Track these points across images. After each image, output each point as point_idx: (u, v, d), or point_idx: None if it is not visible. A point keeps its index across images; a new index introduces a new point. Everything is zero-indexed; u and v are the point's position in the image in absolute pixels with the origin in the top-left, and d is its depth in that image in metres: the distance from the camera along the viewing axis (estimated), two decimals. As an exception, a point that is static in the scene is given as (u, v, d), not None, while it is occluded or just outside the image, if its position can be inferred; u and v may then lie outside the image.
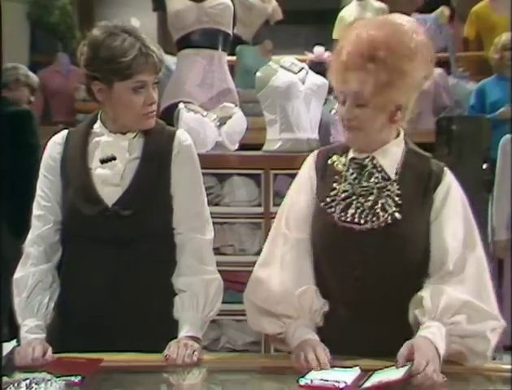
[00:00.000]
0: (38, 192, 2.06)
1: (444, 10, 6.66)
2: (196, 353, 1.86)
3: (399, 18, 1.88)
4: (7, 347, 1.85)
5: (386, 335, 1.79)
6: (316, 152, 2.00)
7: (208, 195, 2.14)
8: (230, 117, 3.69)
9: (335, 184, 1.90)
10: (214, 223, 2.10)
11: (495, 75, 5.41)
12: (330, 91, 3.74)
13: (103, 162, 2.00)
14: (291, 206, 1.95)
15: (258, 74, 3.72)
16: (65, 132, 2.11)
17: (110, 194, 1.99)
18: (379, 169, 1.88)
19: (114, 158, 2.00)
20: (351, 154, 1.92)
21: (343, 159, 1.93)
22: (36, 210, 2.05)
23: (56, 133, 2.12)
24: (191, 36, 4.11)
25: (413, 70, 1.80)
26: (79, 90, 6.67)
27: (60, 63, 6.85)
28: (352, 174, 1.89)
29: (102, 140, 2.03)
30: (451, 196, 1.87)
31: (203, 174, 2.11)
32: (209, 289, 1.99)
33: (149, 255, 1.99)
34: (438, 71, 6.36)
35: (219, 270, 2.05)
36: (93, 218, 1.97)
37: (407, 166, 1.89)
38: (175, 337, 1.93)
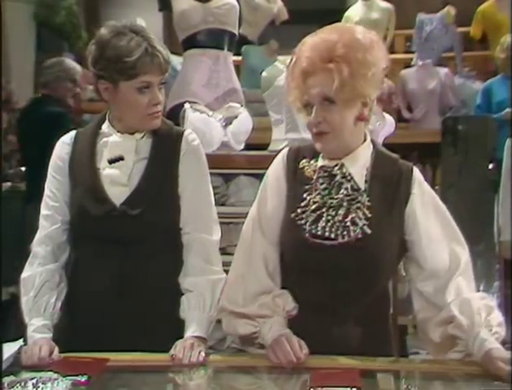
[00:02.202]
0: (46, 192, 2.07)
1: (449, 10, 6.65)
2: (202, 352, 1.86)
3: (346, 24, 1.92)
4: (14, 346, 1.86)
5: (356, 337, 1.85)
6: (286, 152, 1.98)
7: (214, 195, 2.14)
8: (236, 117, 3.69)
9: (305, 194, 1.89)
10: (219, 223, 2.10)
11: (501, 74, 5.39)
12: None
13: (111, 162, 2.01)
14: (263, 210, 1.95)
15: (264, 74, 3.72)
16: (73, 132, 2.11)
17: (117, 194, 1.99)
18: (349, 178, 1.88)
19: (122, 158, 2.01)
20: (320, 162, 1.91)
21: (313, 164, 1.92)
22: (44, 210, 2.06)
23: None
24: (197, 37, 4.11)
25: (372, 60, 1.82)
26: (85, 90, 6.68)
27: (66, 63, 6.85)
28: (322, 184, 1.89)
29: (110, 140, 2.03)
30: (425, 205, 1.88)
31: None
32: (215, 289, 1.99)
33: (156, 255, 2.00)
34: (444, 70, 6.36)
35: (225, 270, 2.05)
36: (100, 217, 1.98)
37: (376, 170, 1.89)
38: (182, 337, 1.93)
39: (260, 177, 3.58)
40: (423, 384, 1.81)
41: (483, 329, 1.78)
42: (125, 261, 1.98)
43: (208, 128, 3.51)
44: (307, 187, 1.90)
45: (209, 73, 4.07)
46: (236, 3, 4.19)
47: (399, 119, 5.74)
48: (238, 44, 4.62)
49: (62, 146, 2.09)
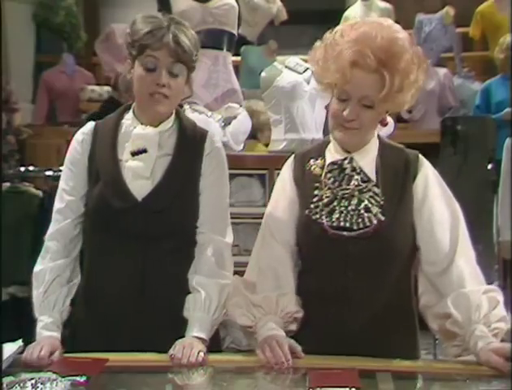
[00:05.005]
0: (62, 185, 2.05)
1: (449, 10, 6.65)
2: (201, 353, 1.86)
3: (393, 24, 1.90)
4: (14, 346, 1.86)
5: (374, 329, 1.86)
6: (292, 157, 2.02)
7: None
8: (235, 117, 3.69)
9: (316, 191, 1.92)
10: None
11: (500, 75, 5.40)
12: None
13: (134, 154, 1.99)
14: (271, 214, 1.99)
15: (263, 74, 3.71)
16: (92, 123, 2.09)
17: (139, 188, 1.98)
18: (358, 171, 1.90)
19: (145, 151, 1.99)
20: (329, 158, 1.94)
21: (320, 162, 1.95)
22: (58, 203, 2.04)
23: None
24: (196, 37, 4.11)
25: (419, 76, 1.85)
26: (84, 90, 6.69)
27: (65, 64, 6.86)
28: (330, 178, 1.91)
29: (134, 132, 2.01)
30: (430, 185, 1.91)
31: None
32: (222, 294, 1.98)
33: (175, 252, 1.99)
34: (443, 71, 6.36)
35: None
36: (122, 212, 1.96)
37: (384, 161, 1.92)
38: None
39: (259, 177, 3.62)
40: (422, 384, 1.81)
41: (480, 326, 1.78)
42: (145, 256, 1.97)
43: (207, 129, 3.51)
44: (316, 184, 1.93)
45: (208, 73, 4.07)
46: (235, 3, 4.19)
47: (398, 119, 5.72)
48: (237, 44, 4.63)
49: (82, 137, 2.06)
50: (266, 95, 3.67)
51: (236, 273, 2.04)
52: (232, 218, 3.40)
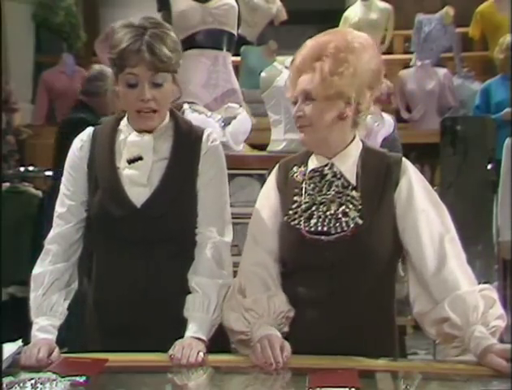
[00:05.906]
0: (63, 190, 2.06)
1: (448, 10, 6.65)
2: (201, 353, 1.86)
3: (349, 29, 1.99)
4: (13, 346, 1.86)
5: (356, 333, 1.86)
6: (277, 165, 2.03)
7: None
8: (234, 117, 3.69)
9: (295, 197, 1.93)
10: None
11: (500, 75, 5.40)
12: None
13: (130, 162, 2.00)
14: (255, 221, 2.00)
15: (263, 74, 3.71)
16: (91, 129, 2.09)
17: (138, 195, 1.98)
18: (339, 176, 1.91)
19: (140, 158, 1.99)
20: (311, 165, 1.95)
21: (302, 169, 1.96)
22: (59, 208, 2.05)
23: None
24: (195, 37, 4.10)
25: (357, 60, 1.85)
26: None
27: (65, 64, 6.86)
28: (310, 184, 1.92)
29: (128, 139, 2.01)
30: (414, 189, 1.89)
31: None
32: (221, 293, 1.98)
33: (177, 256, 2.00)
34: (443, 71, 6.37)
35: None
36: (121, 219, 1.97)
37: (365, 167, 1.92)
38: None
39: (259, 177, 3.62)
40: (422, 384, 1.81)
41: (479, 326, 1.77)
42: (148, 261, 1.98)
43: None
44: (297, 190, 1.94)
45: (208, 73, 4.07)
46: (235, 4, 4.18)
47: (398, 119, 5.74)
48: (237, 44, 4.62)
49: (80, 143, 2.07)
50: (266, 95, 3.67)
51: (235, 273, 2.04)
52: (231, 218, 3.38)
